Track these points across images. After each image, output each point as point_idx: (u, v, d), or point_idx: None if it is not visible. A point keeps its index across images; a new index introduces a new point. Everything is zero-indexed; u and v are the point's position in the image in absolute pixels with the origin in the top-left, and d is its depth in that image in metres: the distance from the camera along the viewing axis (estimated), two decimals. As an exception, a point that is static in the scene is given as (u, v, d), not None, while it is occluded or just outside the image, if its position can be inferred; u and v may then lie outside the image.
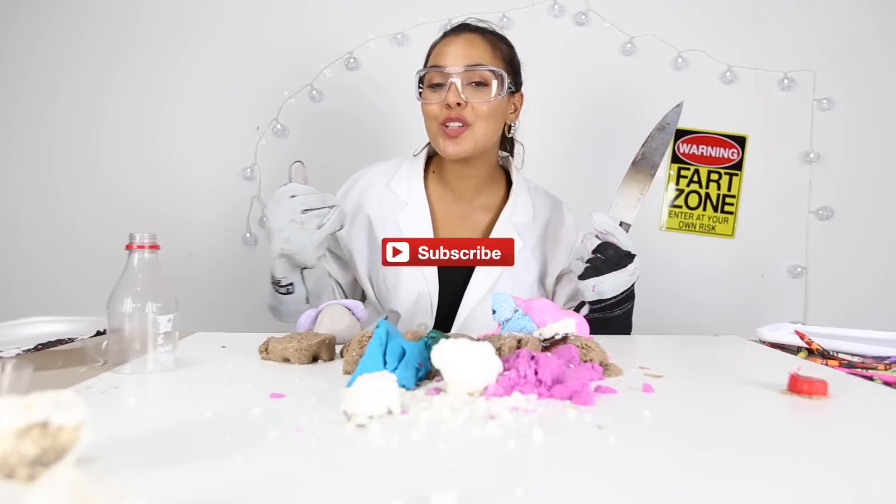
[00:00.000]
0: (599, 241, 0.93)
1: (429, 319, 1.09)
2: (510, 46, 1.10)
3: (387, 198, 1.13)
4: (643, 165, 0.96)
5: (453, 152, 1.03)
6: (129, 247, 0.69)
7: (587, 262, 0.93)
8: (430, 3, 1.70)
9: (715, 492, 0.36)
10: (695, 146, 1.74)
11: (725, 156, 1.74)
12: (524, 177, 1.21)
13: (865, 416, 0.54)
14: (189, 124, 1.71)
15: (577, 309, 0.99)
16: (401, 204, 1.12)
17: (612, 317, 0.98)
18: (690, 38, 1.72)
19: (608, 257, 0.92)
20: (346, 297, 1.18)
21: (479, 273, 1.09)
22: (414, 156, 1.19)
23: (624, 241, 0.92)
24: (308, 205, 0.92)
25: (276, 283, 1.00)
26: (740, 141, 1.74)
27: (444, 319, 1.09)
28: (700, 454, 0.43)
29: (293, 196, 0.92)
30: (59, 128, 1.70)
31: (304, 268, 0.98)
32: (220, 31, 1.71)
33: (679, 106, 0.98)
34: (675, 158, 1.75)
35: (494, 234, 1.11)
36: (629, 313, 1.01)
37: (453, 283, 1.09)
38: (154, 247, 0.70)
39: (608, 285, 0.92)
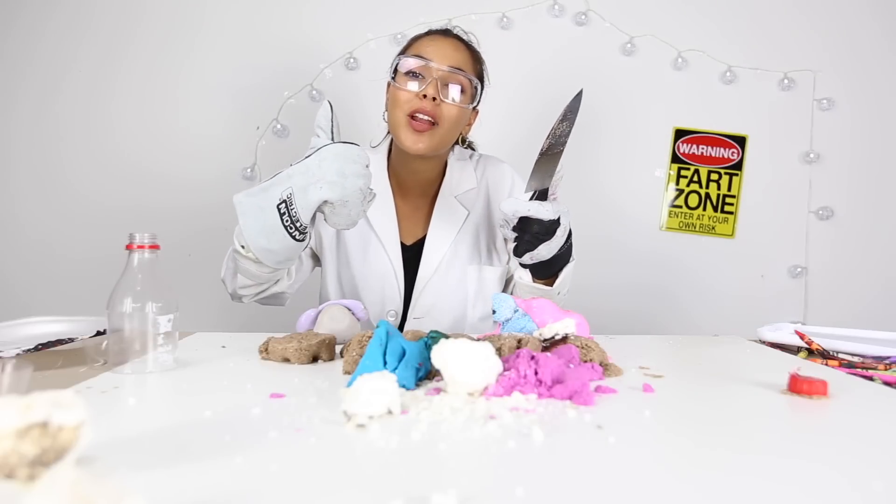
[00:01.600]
0: (514, 225, 0.90)
1: (397, 298, 1.11)
2: (483, 64, 1.12)
3: None
4: (551, 150, 0.91)
5: (414, 147, 1.02)
6: (129, 247, 0.69)
7: (514, 241, 0.90)
8: (430, 3, 1.70)
9: (715, 491, 0.36)
10: (695, 146, 1.74)
11: (725, 156, 1.74)
12: (472, 152, 1.22)
13: (865, 416, 0.54)
14: (189, 124, 1.71)
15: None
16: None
17: (555, 257, 0.93)
18: (690, 38, 1.72)
19: (535, 233, 0.88)
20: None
21: (429, 252, 1.11)
22: (372, 146, 1.19)
23: (543, 212, 0.87)
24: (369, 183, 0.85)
25: (300, 232, 0.86)
26: (740, 141, 1.74)
27: (407, 299, 1.13)
28: (700, 454, 0.43)
29: (368, 166, 0.85)
30: (60, 128, 1.70)
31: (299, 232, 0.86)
32: (221, 32, 1.71)
33: (579, 94, 0.93)
34: (675, 158, 1.75)
35: (436, 216, 1.13)
36: (570, 249, 0.97)
37: (411, 262, 1.12)
38: (154, 247, 0.70)
39: (544, 252, 0.89)
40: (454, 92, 1.03)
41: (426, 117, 1.01)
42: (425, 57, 1.02)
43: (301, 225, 0.83)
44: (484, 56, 1.13)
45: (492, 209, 1.17)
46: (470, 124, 1.16)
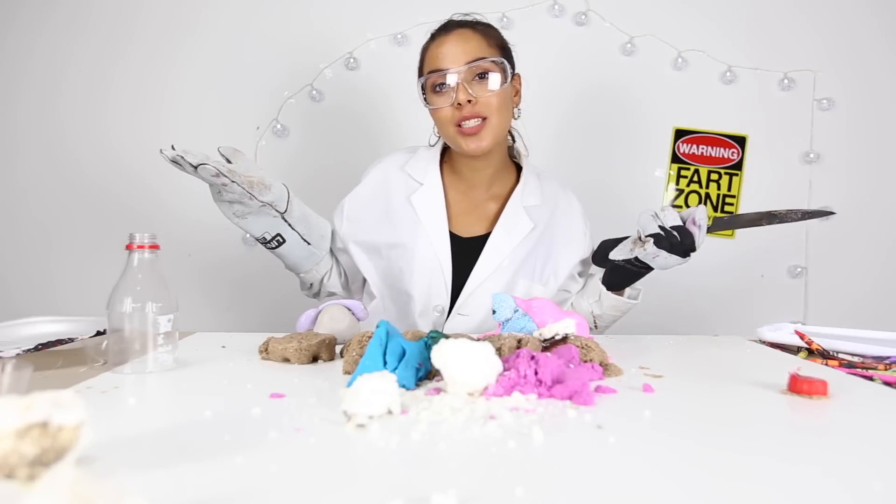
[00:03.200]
0: (683, 222, 0.96)
1: (444, 296, 1.09)
2: (498, 32, 1.10)
3: (401, 180, 1.14)
4: (762, 220, 1.02)
5: (476, 148, 1.03)
6: (129, 247, 0.69)
7: (664, 231, 0.94)
8: (430, 3, 1.70)
9: (715, 491, 0.36)
10: (695, 146, 1.74)
11: (725, 156, 1.74)
12: (533, 164, 1.22)
13: (865, 416, 0.54)
14: (189, 124, 1.71)
15: (604, 262, 1.05)
16: (414, 185, 1.13)
17: (632, 273, 1.03)
18: (690, 38, 1.72)
19: (682, 243, 0.94)
20: (349, 282, 1.19)
21: (490, 250, 1.10)
22: (431, 145, 1.20)
23: (699, 241, 0.95)
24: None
25: (264, 243, 1.03)
26: (740, 141, 1.74)
27: (453, 295, 1.11)
28: (700, 454, 0.43)
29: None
30: (59, 127, 1.70)
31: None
32: (220, 31, 1.71)
33: (826, 215, 1.06)
34: (675, 158, 1.75)
35: (504, 218, 1.12)
36: (639, 276, 1.06)
37: (462, 260, 1.11)
38: (154, 247, 0.70)
39: (665, 262, 0.96)
40: (483, 84, 1.02)
41: (473, 121, 1.01)
42: (440, 67, 1.02)
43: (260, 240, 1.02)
44: None
45: (555, 230, 1.15)
46: (517, 94, 1.12)
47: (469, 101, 1.00)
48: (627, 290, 1.09)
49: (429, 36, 1.10)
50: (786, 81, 1.72)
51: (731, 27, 1.73)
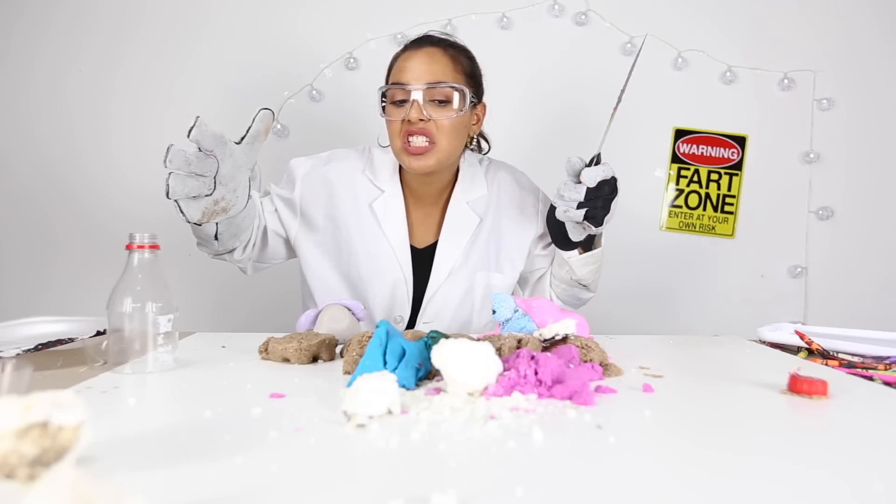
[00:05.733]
0: (587, 196, 0.93)
1: (405, 305, 1.10)
2: (471, 59, 1.09)
3: (361, 183, 1.13)
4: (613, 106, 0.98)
5: (418, 167, 1.03)
6: (129, 247, 0.69)
7: (584, 206, 0.92)
8: (430, 3, 1.70)
9: (715, 491, 0.36)
10: (695, 146, 1.74)
11: (725, 156, 1.74)
12: (481, 157, 1.21)
13: (865, 416, 0.54)
14: (190, 124, 1.71)
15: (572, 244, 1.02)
16: (376, 191, 1.12)
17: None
18: (690, 38, 1.72)
19: (607, 195, 0.93)
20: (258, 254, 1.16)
21: (441, 258, 1.10)
22: (383, 147, 1.18)
23: (611, 170, 0.94)
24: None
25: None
26: (740, 141, 1.74)
27: (414, 303, 1.12)
28: (700, 454, 0.43)
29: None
30: (61, 127, 1.70)
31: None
32: (221, 32, 1.71)
33: (643, 40, 1.02)
34: (675, 158, 1.75)
35: (448, 223, 1.12)
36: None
37: (419, 270, 1.11)
38: (154, 247, 0.70)
39: (614, 213, 0.96)
40: (439, 107, 1.01)
41: (422, 138, 1.01)
42: (401, 81, 1.02)
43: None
44: (483, 57, 1.11)
45: (503, 217, 1.15)
46: (478, 122, 1.13)
47: (421, 120, 1.00)
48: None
49: (401, 46, 1.09)
50: (786, 81, 1.72)
51: (731, 27, 1.73)
